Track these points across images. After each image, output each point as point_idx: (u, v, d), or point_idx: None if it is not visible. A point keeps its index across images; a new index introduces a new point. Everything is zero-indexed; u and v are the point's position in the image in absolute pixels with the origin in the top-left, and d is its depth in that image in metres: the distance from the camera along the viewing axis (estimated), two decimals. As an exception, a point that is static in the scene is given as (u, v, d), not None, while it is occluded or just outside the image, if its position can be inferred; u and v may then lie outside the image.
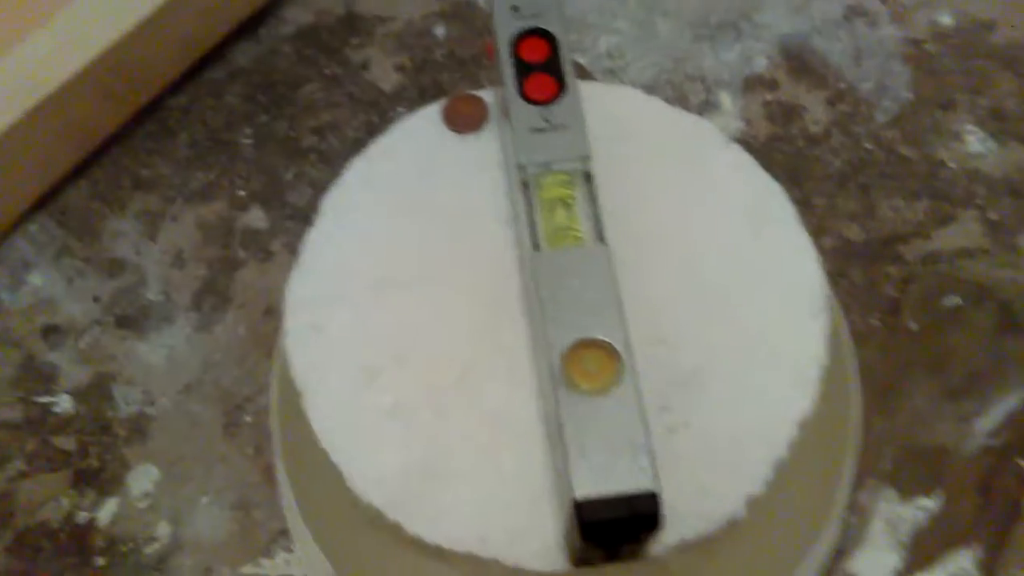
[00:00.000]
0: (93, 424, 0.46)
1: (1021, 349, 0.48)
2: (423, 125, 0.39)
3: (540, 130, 0.31)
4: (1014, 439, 0.45)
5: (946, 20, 0.59)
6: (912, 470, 0.45)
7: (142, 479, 0.45)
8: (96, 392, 0.47)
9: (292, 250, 0.50)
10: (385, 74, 0.56)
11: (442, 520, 0.32)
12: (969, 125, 0.55)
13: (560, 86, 0.32)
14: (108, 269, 0.50)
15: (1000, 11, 0.59)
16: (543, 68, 0.32)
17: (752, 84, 0.57)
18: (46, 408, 0.46)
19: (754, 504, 0.32)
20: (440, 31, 0.57)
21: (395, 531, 0.32)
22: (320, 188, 0.52)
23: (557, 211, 0.30)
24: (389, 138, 0.38)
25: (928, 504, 0.44)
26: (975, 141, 0.55)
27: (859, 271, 0.51)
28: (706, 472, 0.32)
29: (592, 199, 0.30)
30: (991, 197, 0.53)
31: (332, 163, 0.53)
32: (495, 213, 0.36)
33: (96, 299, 0.49)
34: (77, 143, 0.51)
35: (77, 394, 0.47)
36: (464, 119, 0.38)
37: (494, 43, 0.35)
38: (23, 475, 0.45)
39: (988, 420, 0.46)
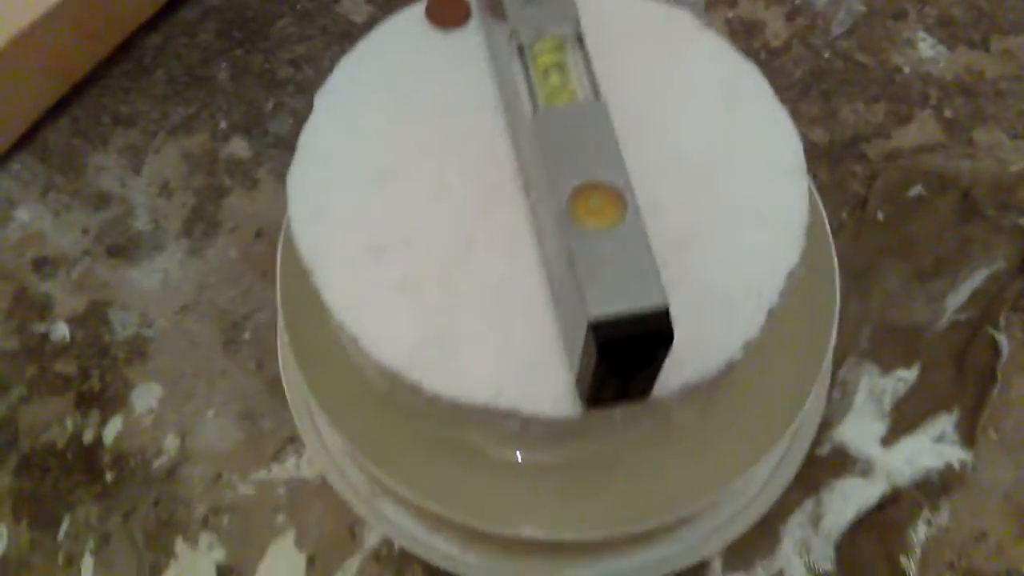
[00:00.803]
0: (92, 348, 0.46)
1: (982, 231, 0.50)
2: (407, 24, 0.40)
3: (530, 1, 0.33)
4: (983, 312, 0.48)
5: (892, -63, 0.61)
6: (889, 346, 0.47)
7: (145, 397, 0.45)
8: (92, 318, 0.47)
9: (277, 176, 0.51)
10: (356, 7, 0.57)
11: (458, 377, 0.33)
12: (920, 32, 0.58)
13: (548, -44, 0.33)
14: (95, 202, 0.50)
15: (942, -73, 0.62)
16: (530, -59, 0.34)
17: (714, 2, 0.59)
18: (43, 336, 0.47)
19: (749, 347, 0.34)
20: (409, -36, 0.58)
21: (414, 393, 0.33)
22: (300, 117, 0.53)
23: (552, 75, 0.32)
24: (375, 37, 0.39)
25: (907, 375, 0.46)
26: (926, 47, 0.57)
27: (826, 171, 0.53)
28: (704, 321, 0.33)
29: (585, 61, 0.32)
30: (945, 97, 0.56)
31: (310, 93, 0.53)
32: (483, 101, 0.38)
33: (85, 231, 0.49)
34: (56, 80, 0.51)
35: (73, 321, 0.47)
36: (447, 15, 0.39)
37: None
38: (24, 400, 0.45)
39: (957, 297, 0.49)
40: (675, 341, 0.30)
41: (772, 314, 0.34)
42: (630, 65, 0.38)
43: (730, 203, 0.36)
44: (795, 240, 0.35)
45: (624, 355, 0.28)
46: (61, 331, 0.47)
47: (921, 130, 0.54)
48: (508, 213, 0.35)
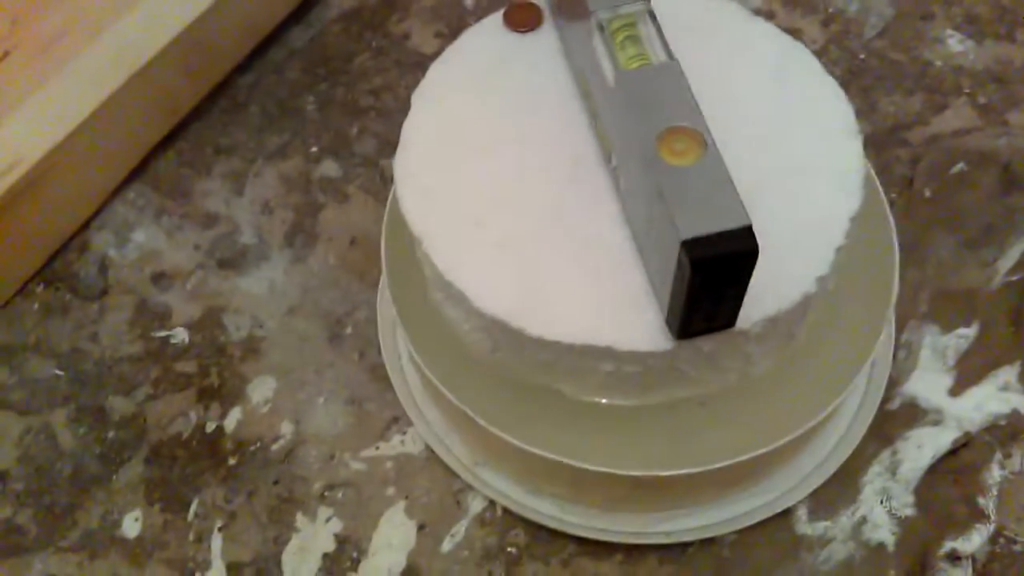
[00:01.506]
0: (209, 349, 0.51)
1: (1023, 201, 0.54)
2: (488, 30, 0.45)
3: (606, -15, 0.38)
4: (1033, 271, 0.51)
5: (914, -52, 0.66)
6: (948, 308, 0.50)
7: (261, 389, 0.49)
8: (208, 322, 0.52)
9: (367, 191, 0.56)
10: (425, 41, 0.62)
11: (558, 321, 0.36)
12: (948, 30, 0.62)
13: (615, -46, 0.38)
14: (203, 222, 0.55)
15: (959, -63, 0.66)
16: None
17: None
18: (164, 340, 0.51)
19: (823, 283, 0.37)
20: (469, 2, 0.64)
21: (517, 342, 0.37)
22: (382, 139, 0.58)
23: (628, 46, 0.36)
24: (460, 43, 0.45)
25: (967, 333, 0.49)
26: (955, 43, 0.61)
27: (872, 157, 0.57)
28: (780, 260, 0.37)
29: (657, 31, 0.36)
30: (977, 86, 0.59)
31: (390, 117, 0.59)
32: (560, 90, 0.42)
33: (196, 247, 0.54)
34: (163, 116, 0.57)
35: (191, 326, 0.52)
36: (523, 20, 0.44)
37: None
38: (151, 397, 0.49)
39: (1007, 260, 0.52)
40: (754, 278, 0.34)
41: (840, 253, 0.38)
42: (693, 49, 0.41)
43: (794, 159, 0.40)
44: (855, 188, 0.39)
45: (714, 272, 0.32)
46: (180, 335, 0.51)
47: (957, 116, 0.58)
48: (591, 181, 0.40)
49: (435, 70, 0.44)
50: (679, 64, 0.35)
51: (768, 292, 0.36)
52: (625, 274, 0.37)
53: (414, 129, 0.42)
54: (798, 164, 0.40)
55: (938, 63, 0.60)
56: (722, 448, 0.40)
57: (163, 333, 0.51)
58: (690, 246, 0.31)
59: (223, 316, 0.52)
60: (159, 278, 0.53)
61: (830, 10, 0.63)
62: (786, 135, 0.40)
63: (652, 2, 0.39)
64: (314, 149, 0.58)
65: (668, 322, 0.36)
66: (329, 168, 0.57)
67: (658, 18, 0.38)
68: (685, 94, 0.34)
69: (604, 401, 0.40)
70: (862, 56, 0.61)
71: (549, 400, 0.41)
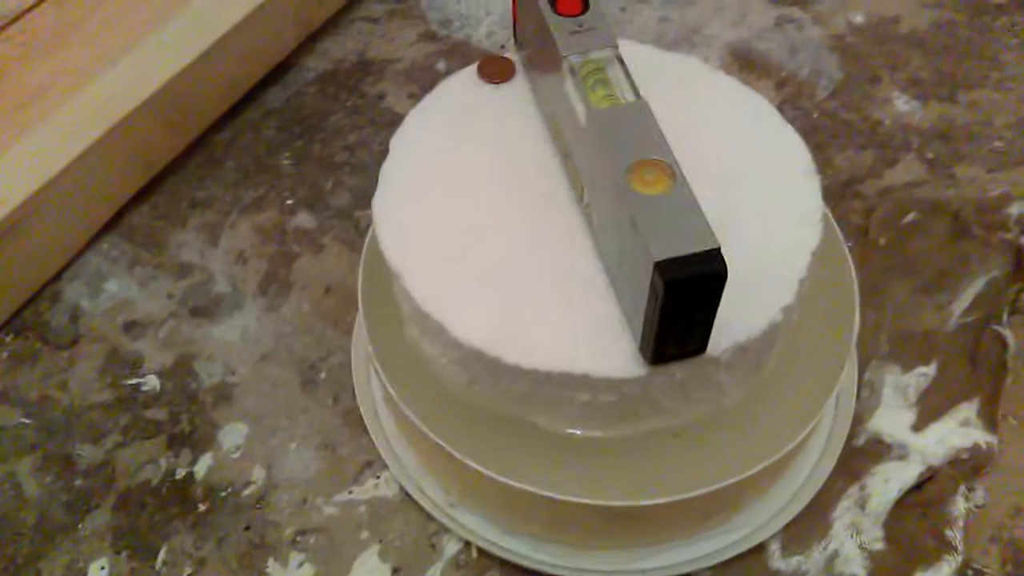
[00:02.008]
0: (180, 396, 0.50)
1: (974, 247, 0.56)
2: (462, 81, 0.47)
3: (575, 32, 0.40)
4: (987, 313, 0.53)
5: (859, 19, 0.70)
6: (907, 349, 0.52)
7: (232, 435, 0.49)
8: (180, 370, 0.51)
9: (341, 241, 0.57)
10: (399, 101, 0.65)
11: (535, 350, 0.37)
12: (895, 92, 0.66)
13: (585, 4, 0.40)
14: (177, 272, 0.56)
15: (901, 8, 0.71)
16: (568, -4, 0.41)
17: (710, 81, 0.67)
18: (135, 388, 0.51)
19: (787, 312, 0.39)
20: (441, 65, 0.67)
21: (494, 371, 0.38)
22: (357, 192, 0.60)
23: (598, 88, 0.38)
24: (436, 93, 0.46)
25: (927, 371, 0.51)
26: (902, 103, 0.65)
27: (829, 209, 0.59)
28: (746, 292, 0.38)
29: (625, 73, 0.38)
30: (924, 142, 0.63)
31: (365, 171, 0.60)
32: (533, 135, 0.44)
33: (170, 296, 0.54)
34: (140, 169, 0.58)
35: (162, 373, 0.51)
36: (496, 72, 0.46)
37: (517, 3, 0.44)
38: (120, 445, 0.49)
39: (961, 303, 0.54)
40: (723, 307, 0.35)
41: (803, 284, 0.39)
42: (658, 96, 0.43)
43: (756, 197, 0.42)
44: (815, 224, 0.41)
45: (686, 292, 0.33)
46: (151, 383, 0.51)
47: (907, 170, 0.61)
48: (564, 219, 0.41)
49: (412, 117, 0.46)
50: (646, 103, 0.37)
51: (736, 321, 0.37)
52: (599, 306, 0.39)
53: (392, 171, 0.44)
54: (760, 202, 0.41)
55: (887, 121, 0.64)
56: (696, 478, 0.40)
57: (134, 380, 0.51)
58: (663, 268, 0.32)
59: (195, 363, 0.52)
60: (131, 327, 0.53)
61: (783, 73, 0.67)
62: (748, 175, 0.42)
63: (621, 53, 0.42)
64: (289, 202, 0.59)
65: (642, 349, 0.37)
66: (304, 220, 0.58)
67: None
68: (653, 129, 0.36)
69: (580, 433, 0.41)
70: (815, 115, 0.64)
71: (525, 433, 0.41)
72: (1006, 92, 0.65)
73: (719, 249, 0.33)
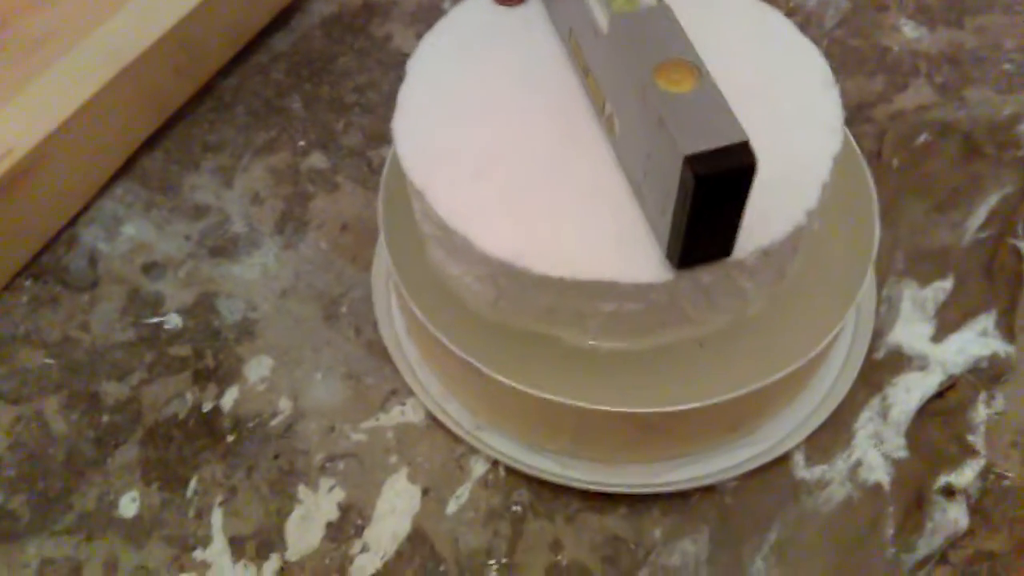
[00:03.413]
0: (204, 333, 0.51)
1: (987, 166, 0.56)
2: (477, 5, 0.47)
3: (593, -58, 0.40)
4: (1001, 228, 0.53)
5: (864, -52, 0.70)
6: (923, 265, 0.52)
7: (257, 368, 0.49)
8: (202, 308, 0.52)
9: (355, 180, 0.57)
10: (407, 41, 0.64)
11: (561, 259, 0.37)
12: (903, 19, 0.65)
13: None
14: (193, 214, 0.56)
15: (905, -63, 0.71)
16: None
17: (717, 15, 0.66)
18: (157, 327, 0.51)
19: (810, 216, 0.39)
20: (447, 4, 0.66)
21: (521, 282, 0.38)
22: (368, 132, 0.59)
23: (617, -3, 0.38)
24: (450, 17, 0.46)
25: (944, 285, 0.51)
26: (910, 30, 0.65)
27: (840, 135, 0.59)
28: (771, 196, 0.38)
29: (645, -20, 0.38)
30: (933, 67, 0.63)
31: (375, 112, 0.60)
32: (550, 55, 0.44)
33: (187, 237, 0.55)
34: (151, 114, 0.57)
35: (184, 312, 0.52)
36: (510, -5, 0.46)
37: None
38: (145, 382, 0.49)
39: (975, 220, 0.54)
40: (747, 211, 0.35)
41: (825, 190, 0.39)
42: (677, 12, 0.43)
43: (778, 108, 0.42)
44: (835, 132, 0.41)
45: (716, 186, 0.33)
46: (174, 321, 0.51)
47: (917, 94, 0.61)
48: (584, 134, 0.41)
49: (427, 41, 0.46)
50: (668, 6, 0.37)
51: (761, 225, 0.38)
52: (623, 215, 0.39)
53: (410, 94, 0.43)
54: (782, 112, 0.41)
55: (895, 48, 0.64)
56: (722, 385, 0.41)
57: (156, 319, 0.51)
58: (693, 161, 0.32)
59: (216, 301, 0.52)
60: (150, 268, 0.53)
61: (791, 4, 0.66)
62: (769, 87, 0.42)
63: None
64: (302, 143, 0.59)
65: (668, 254, 0.37)
66: (317, 160, 0.58)
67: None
68: (677, 30, 0.36)
69: (605, 345, 0.41)
70: (824, 44, 0.64)
71: (551, 348, 0.41)
72: (1014, 15, 0.65)
73: (748, 142, 0.33)
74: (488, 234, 0.39)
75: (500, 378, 0.41)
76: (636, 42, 0.36)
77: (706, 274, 0.38)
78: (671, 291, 0.38)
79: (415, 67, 0.44)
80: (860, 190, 0.47)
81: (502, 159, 0.41)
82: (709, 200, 0.33)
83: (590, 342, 0.41)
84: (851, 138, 0.47)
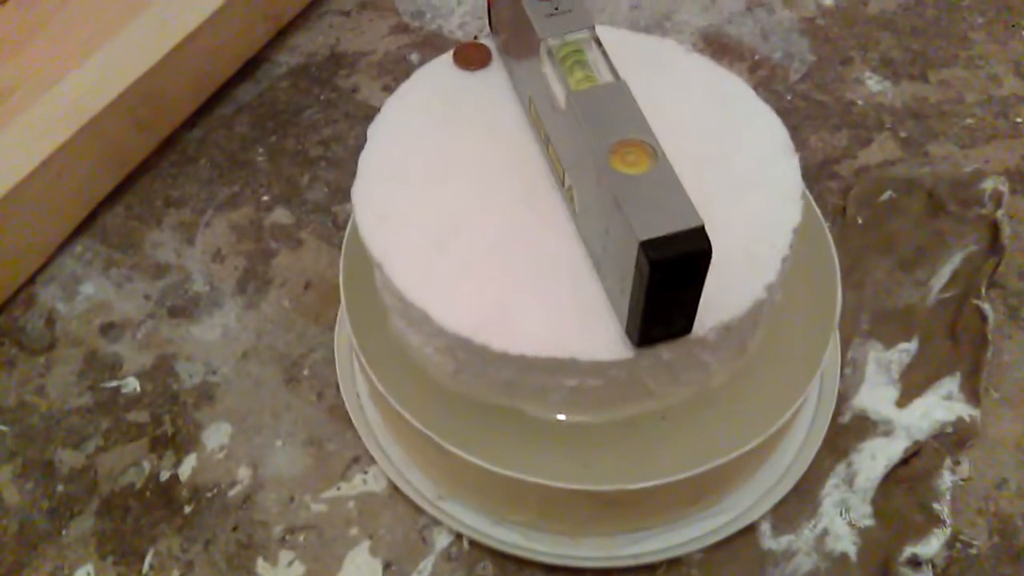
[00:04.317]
0: (162, 397, 0.50)
1: (951, 223, 0.56)
2: (439, 69, 0.46)
3: (551, 15, 0.39)
4: (965, 287, 0.53)
5: (828, 1, 0.71)
6: (888, 326, 0.52)
7: (216, 435, 0.48)
8: (160, 371, 0.51)
9: (319, 236, 0.56)
10: (373, 94, 0.64)
11: (521, 336, 0.37)
12: (867, 72, 0.66)
13: (559, -13, 0.40)
14: (153, 272, 0.55)
15: (870, -10, 0.71)
16: (542, -21, 0.41)
17: (684, 67, 0.67)
18: (115, 391, 0.50)
19: (770, 290, 0.39)
20: (414, 57, 0.66)
21: (481, 359, 0.38)
22: (334, 187, 0.59)
23: (577, 70, 0.38)
24: (412, 81, 0.46)
25: (908, 347, 0.51)
26: (874, 83, 0.65)
27: (807, 189, 0.59)
28: (730, 271, 0.38)
29: (603, 55, 0.38)
30: (897, 121, 0.63)
31: (341, 166, 0.60)
32: (510, 120, 0.44)
33: (147, 297, 0.54)
34: (112, 169, 0.57)
35: (142, 375, 0.51)
36: (472, 59, 0.46)
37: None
38: (102, 449, 0.48)
39: (939, 279, 0.54)
40: (706, 287, 0.35)
41: (785, 262, 0.39)
42: (636, 78, 0.43)
43: (736, 176, 0.42)
44: (795, 203, 0.41)
45: (672, 271, 0.33)
46: (132, 385, 0.50)
47: (882, 149, 0.61)
48: (545, 204, 0.41)
49: (390, 105, 0.45)
50: (625, 84, 0.37)
51: (721, 300, 0.37)
52: (583, 289, 0.38)
53: (371, 159, 0.43)
54: (740, 181, 0.41)
55: (860, 102, 0.64)
56: (685, 459, 0.40)
57: (113, 383, 0.50)
58: (648, 247, 0.32)
59: (175, 364, 0.51)
60: (108, 329, 0.52)
61: (756, 57, 0.67)
62: (727, 155, 0.42)
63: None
64: (265, 198, 0.58)
65: (628, 331, 0.36)
66: (281, 216, 0.57)
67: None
68: (633, 109, 0.36)
69: (567, 418, 0.40)
70: (789, 98, 0.64)
71: (512, 421, 0.41)
72: (975, 70, 0.66)
73: (703, 226, 0.33)
74: (446, 308, 0.38)
75: (461, 453, 0.40)
76: (593, 120, 0.36)
77: (667, 351, 0.37)
78: (632, 368, 0.37)
79: (377, 132, 0.44)
80: (821, 253, 0.47)
81: (462, 229, 0.40)
82: (665, 284, 0.33)
83: (552, 415, 0.40)
84: (812, 202, 0.47)
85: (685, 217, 0.33)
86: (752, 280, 0.38)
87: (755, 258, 0.39)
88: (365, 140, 0.62)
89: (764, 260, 0.39)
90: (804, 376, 0.43)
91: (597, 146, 0.35)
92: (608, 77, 0.37)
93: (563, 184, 0.40)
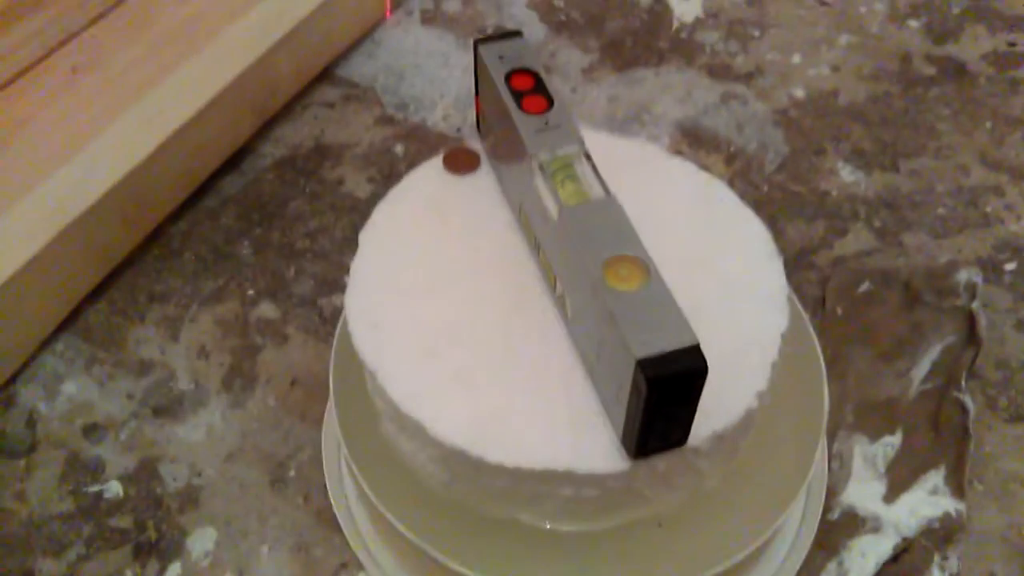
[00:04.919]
0: (145, 502, 0.49)
1: (927, 315, 0.58)
2: (428, 173, 0.47)
3: (541, 130, 0.40)
4: (946, 379, 0.54)
5: (800, 93, 0.73)
6: (872, 418, 0.53)
7: (201, 541, 0.47)
8: (144, 474, 0.50)
9: (306, 331, 0.56)
10: (359, 186, 0.65)
11: (516, 447, 0.37)
12: (840, 163, 0.68)
13: (549, 102, 0.41)
14: (137, 370, 0.54)
15: (839, 82, 0.74)
16: (532, 92, 0.42)
17: (663, 157, 0.68)
18: (97, 495, 0.49)
19: (762, 397, 0.39)
20: (399, 149, 0.67)
21: (475, 469, 0.38)
22: (320, 279, 0.59)
23: (567, 184, 0.39)
24: (402, 186, 0.47)
25: (892, 440, 0.52)
26: (847, 174, 0.67)
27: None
28: (721, 378, 0.38)
29: (593, 169, 0.39)
30: (871, 211, 0.65)
31: (327, 258, 0.60)
32: (501, 225, 0.44)
33: (130, 396, 0.53)
34: (96, 266, 0.56)
35: (125, 479, 0.50)
36: (462, 164, 0.47)
37: (481, 95, 0.45)
38: (83, 558, 0.47)
39: (920, 370, 0.55)
40: (702, 399, 0.36)
41: (775, 368, 0.40)
42: (624, 183, 0.44)
43: (724, 282, 0.42)
44: (782, 308, 0.42)
45: (669, 389, 0.33)
46: (114, 489, 0.49)
47: (857, 239, 0.63)
48: (537, 309, 0.41)
49: (380, 211, 0.46)
50: (616, 199, 0.38)
51: (714, 408, 0.38)
52: (577, 397, 0.39)
53: (363, 267, 0.43)
54: (728, 287, 0.42)
55: (834, 192, 0.66)
56: (683, 567, 0.40)
57: (96, 488, 0.49)
58: (645, 365, 0.32)
59: (159, 466, 0.50)
60: (91, 430, 0.52)
61: (731, 149, 0.69)
62: (712, 260, 0.43)
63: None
64: (251, 292, 0.58)
65: (624, 443, 0.37)
66: (267, 310, 0.57)
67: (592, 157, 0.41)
68: (625, 225, 0.37)
69: (563, 528, 0.40)
70: (765, 188, 0.66)
71: (507, 530, 0.41)
72: (944, 160, 0.68)
73: (699, 344, 0.33)
74: (441, 419, 0.38)
75: (455, 565, 0.40)
76: (585, 235, 0.36)
77: (662, 461, 0.37)
78: (628, 478, 0.38)
79: (368, 238, 0.44)
80: (806, 351, 0.48)
81: (455, 336, 0.41)
82: (662, 401, 0.33)
83: (548, 524, 0.40)
84: (795, 300, 0.48)
85: (680, 335, 0.33)
86: (743, 388, 0.39)
87: (745, 365, 0.40)
88: (350, 232, 0.63)
89: (754, 367, 0.40)
90: (796, 477, 0.44)
91: (590, 262, 0.36)
92: (599, 192, 0.38)
93: (555, 290, 0.41)
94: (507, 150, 0.44)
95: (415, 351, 0.40)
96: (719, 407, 0.38)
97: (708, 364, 0.33)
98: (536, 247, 0.42)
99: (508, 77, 0.42)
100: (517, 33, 0.44)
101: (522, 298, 0.42)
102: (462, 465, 0.38)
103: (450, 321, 0.41)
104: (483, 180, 0.47)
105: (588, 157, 0.40)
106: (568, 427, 0.38)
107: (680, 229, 0.44)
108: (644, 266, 0.35)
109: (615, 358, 0.35)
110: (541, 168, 0.39)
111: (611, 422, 0.38)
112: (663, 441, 0.36)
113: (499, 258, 0.43)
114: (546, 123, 0.41)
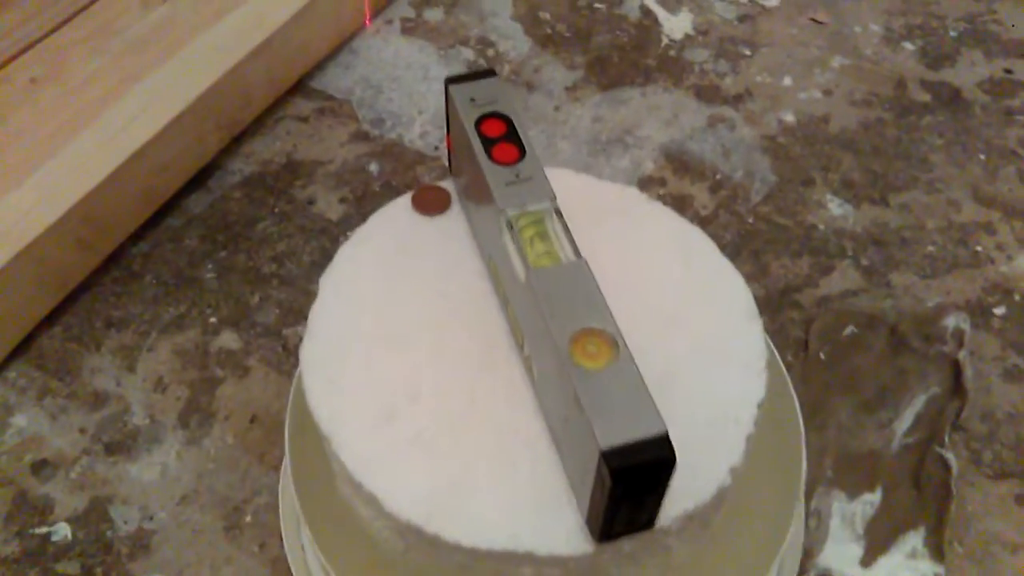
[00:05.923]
0: (94, 546, 0.47)
1: (914, 361, 0.56)
2: (396, 212, 0.45)
3: (512, 183, 0.38)
4: (929, 434, 0.52)
5: (789, 118, 0.71)
6: (851, 473, 0.51)
7: (150, 590, 0.46)
8: (94, 515, 0.48)
9: (268, 363, 0.54)
10: (330, 206, 0.62)
11: (475, 525, 0.35)
12: (828, 195, 0.66)
13: (521, 151, 0.39)
14: (91, 402, 0.52)
15: (830, 108, 0.72)
16: (504, 139, 0.40)
17: (645, 183, 0.66)
18: (44, 538, 0.47)
19: (735, 473, 0.37)
20: (373, 167, 0.65)
21: (432, 546, 0.36)
22: (285, 307, 0.57)
23: (536, 243, 0.37)
24: (369, 225, 0.44)
25: (872, 499, 0.50)
26: (835, 207, 0.65)
27: (767, 319, 0.59)
28: (692, 453, 0.37)
29: (564, 228, 0.37)
30: (859, 248, 0.63)
31: (294, 284, 0.58)
32: (470, 272, 0.42)
33: (82, 431, 0.51)
34: (51, 291, 0.54)
35: (74, 520, 0.48)
36: (431, 204, 0.45)
37: (452, 134, 0.43)
38: (25, 606, 0.45)
39: (902, 423, 0.53)
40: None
41: (750, 440, 0.38)
42: (599, 231, 0.43)
43: (699, 345, 0.40)
44: (759, 374, 0.40)
45: (634, 480, 0.31)
46: (63, 531, 0.47)
47: (844, 277, 0.61)
48: (504, 368, 0.39)
49: (343, 253, 0.43)
50: (587, 263, 0.36)
51: (684, 486, 0.36)
52: (542, 468, 0.37)
53: (322, 316, 0.41)
54: (703, 350, 0.40)
55: (821, 227, 0.64)
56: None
57: (43, 529, 0.47)
58: (609, 456, 0.31)
59: (110, 507, 0.48)
60: (40, 467, 0.49)
61: (717, 176, 0.66)
62: (689, 319, 0.41)
63: (559, 185, 0.40)
64: (212, 320, 0.56)
65: (589, 525, 0.35)
66: (228, 339, 0.55)
67: (563, 203, 0.39)
68: (595, 295, 0.35)
69: (523, 602, 0.39)
70: (750, 220, 0.64)
71: (465, 601, 0.39)
72: (935, 195, 0.66)
73: (667, 435, 0.31)
74: (396, 491, 0.36)
75: (408, 638, 0.38)
76: (553, 303, 0.34)
77: (628, 543, 0.36)
78: (592, 561, 0.36)
79: (329, 283, 0.42)
80: (785, 410, 0.46)
81: (416, 398, 0.38)
82: (628, 491, 0.32)
83: (505, 599, 0.39)
84: (777, 359, 0.46)
85: (648, 423, 0.31)
86: (716, 463, 0.37)
87: (719, 440, 0.38)
88: (319, 256, 0.60)
89: (728, 440, 0.38)
90: (770, 545, 0.42)
91: (557, 333, 0.33)
92: (570, 254, 0.36)
93: (522, 348, 0.39)
94: (477, 193, 0.42)
95: (373, 411, 0.38)
96: (690, 486, 0.36)
97: (676, 453, 0.31)
98: (505, 301, 0.40)
99: (479, 123, 0.40)
100: (491, 72, 0.42)
101: (490, 354, 0.40)
102: (418, 540, 0.37)
103: (413, 376, 0.39)
104: (453, 222, 0.44)
105: (559, 214, 0.37)
106: (531, 505, 0.36)
107: (655, 284, 0.42)
108: (613, 341, 0.33)
109: (581, 439, 0.33)
110: (510, 225, 0.37)
111: (576, 499, 0.36)
112: (630, 525, 0.34)
113: (467, 309, 0.41)
114: (516, 175, 0.38)
